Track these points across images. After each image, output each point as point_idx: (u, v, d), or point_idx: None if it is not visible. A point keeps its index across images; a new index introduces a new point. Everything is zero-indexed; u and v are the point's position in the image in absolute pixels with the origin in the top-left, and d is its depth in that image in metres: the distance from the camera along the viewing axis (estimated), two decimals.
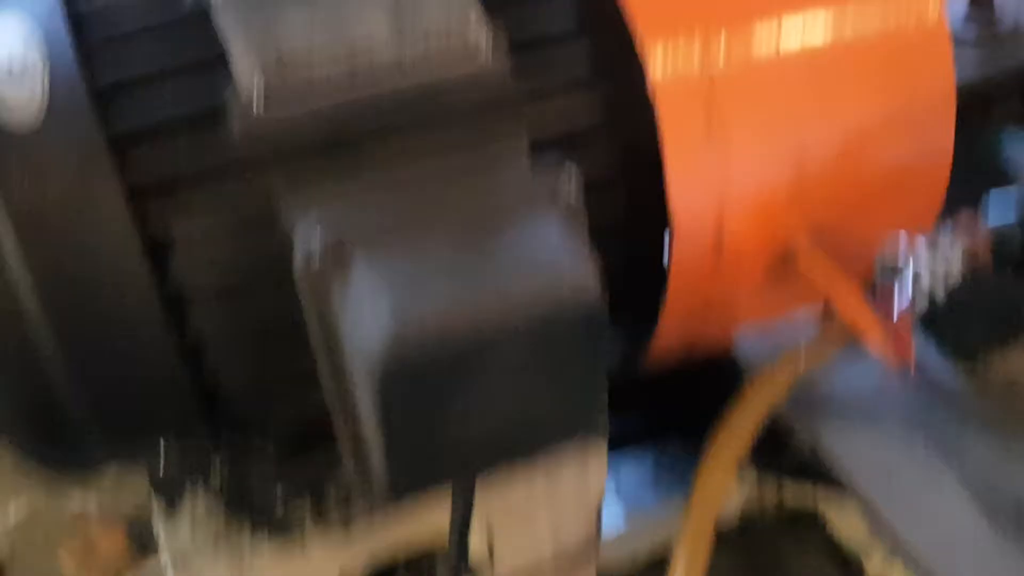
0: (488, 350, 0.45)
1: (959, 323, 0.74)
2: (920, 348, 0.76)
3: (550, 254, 0.47)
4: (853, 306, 0.58)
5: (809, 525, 1.11)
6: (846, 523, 1.09)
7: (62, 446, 0.52)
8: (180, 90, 0.50)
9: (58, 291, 0.47)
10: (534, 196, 0.49)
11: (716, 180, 0.57)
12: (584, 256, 0.47)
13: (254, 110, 0.49)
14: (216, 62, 0.50)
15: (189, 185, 0.49)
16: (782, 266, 0.60)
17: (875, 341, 0.58)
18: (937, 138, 0.62)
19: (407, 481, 0.48)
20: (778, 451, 1.08)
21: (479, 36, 0.53)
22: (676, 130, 0.56)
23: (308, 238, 0.46)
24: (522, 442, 0.50)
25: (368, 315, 0.44)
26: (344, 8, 0.52)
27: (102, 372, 0.49)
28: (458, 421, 0.46)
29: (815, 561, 1.10)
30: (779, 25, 0.58)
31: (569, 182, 0.50)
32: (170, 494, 0.66)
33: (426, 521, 0.67)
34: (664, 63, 0.56)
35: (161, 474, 0.64)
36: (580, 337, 0.46)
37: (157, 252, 0.48)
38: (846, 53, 0.59)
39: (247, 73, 0.49)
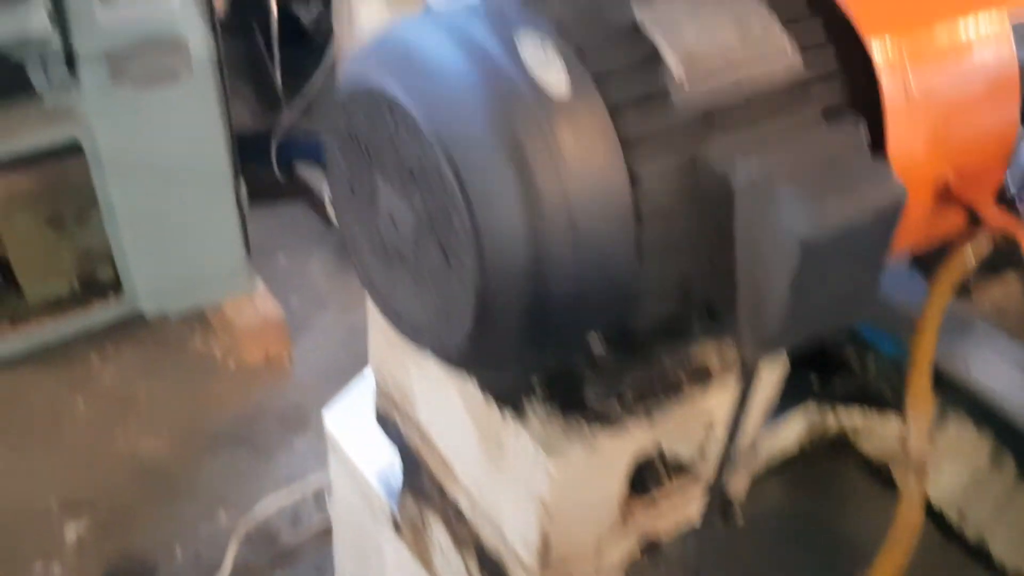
0: (848, 238, 0.74)
1: None
2: None
3: (873, 176, 0.77)
4: (997, 214, 0.91)
5: (845, 445, 1.46)
6: (878, 441, 1.44)
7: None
8: (637, 77, 0.76)
9: (562, 211, 0.72)
10: (852, 142, 0.79)
11: (908, 128, 0.89)
12: (893, 174, 0.77)
13: (683, 87, 0.76)
14: (655, 57, 0.77)
15: (652, 137, 0.75)
16: (940, 194, 0.92)
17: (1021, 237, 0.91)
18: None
19: (788, 334, 0.77)
20: (831, 379, 1.42)
21: (784, 40, 0.83)
22: (892, 98, 0.87)
23: (747, 170, 0.73)
24: (849, 311, 0.80)
25: (789, 219, 0.72)
26: (714, 27, 0.80)
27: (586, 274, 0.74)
28: (819, 292, 0.76)
29: (854, 475, 1.45)
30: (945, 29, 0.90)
31: (863, 129, 0.80)
32: (515, 402, 0.93)
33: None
34: (883, 60, 0.87)
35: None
36: (890, 222, 0.77)
37: (633, 182, 0.74)
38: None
39: (673, 64, 0.77)
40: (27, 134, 2.27)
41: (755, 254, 0.76)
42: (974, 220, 0.94)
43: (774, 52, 0.82)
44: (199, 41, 2.29)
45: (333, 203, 0.90)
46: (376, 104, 0.77)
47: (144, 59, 2.25)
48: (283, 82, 3.30)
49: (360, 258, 0.89)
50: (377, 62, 0.78)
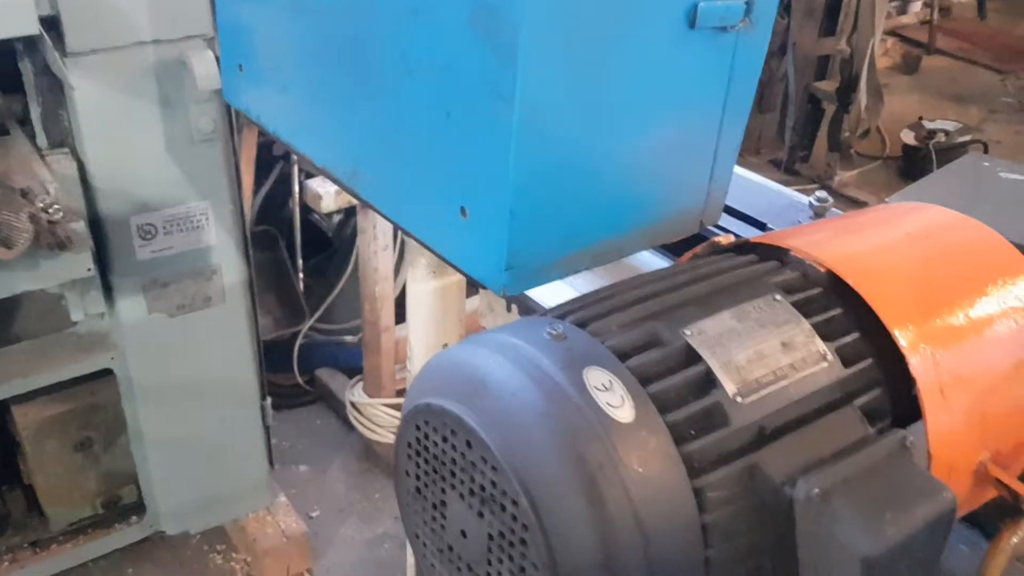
0: (906, 551, 0.78)
1: None
2: None
3: (924, 487, 0.81)
4: None
5: None
6: None
7: None
8: (694, 397, 0.82)
9: (650, 517, 0.76)
10: (898, 452, 0.83)
11: (947, 426, 0.93)
12: (939, 483, 0.81)
13: (737, 401, 0.81)
14: (702, 376, 0.83)
15: (713, 453, 0.80)
16: (979, 476, 0.96)
17: None
18: None
19: None
20: None
21: (822, 346, 0.89)
22: (928, 394, 0.92)
23: (807, 488, 0.77)
24: None
25: (850, 538, 0.76)
26: (755, 338, 0.86)
27: None
28: None
29: None
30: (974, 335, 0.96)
31: (909, 439, 0.85)
32: None
33: None
34: (915, 357, 0.92)
35: None
36: (945, 529, 0.80)
37: (698, 496, 0.78)
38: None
39: (726, 382, 0.82)
40: (62, 363, 2.33)
41: (818, 570, 0.79)
42: (1013, 496, 0.98)
43: (815, 360, 0.88)
44: (232, 268, 2.39)
45: (399, 500, 0.93)
46: (446, 425, 0.82)
47: (179, 289, 2.34)
48: (305, 288, 3.40)
49: (423, 556, 0.92)
50: (445, 383, 0.83)
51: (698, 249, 1.11)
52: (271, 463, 2.70)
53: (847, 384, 0.89)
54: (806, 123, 4.65)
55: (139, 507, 2.57)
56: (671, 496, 0.77)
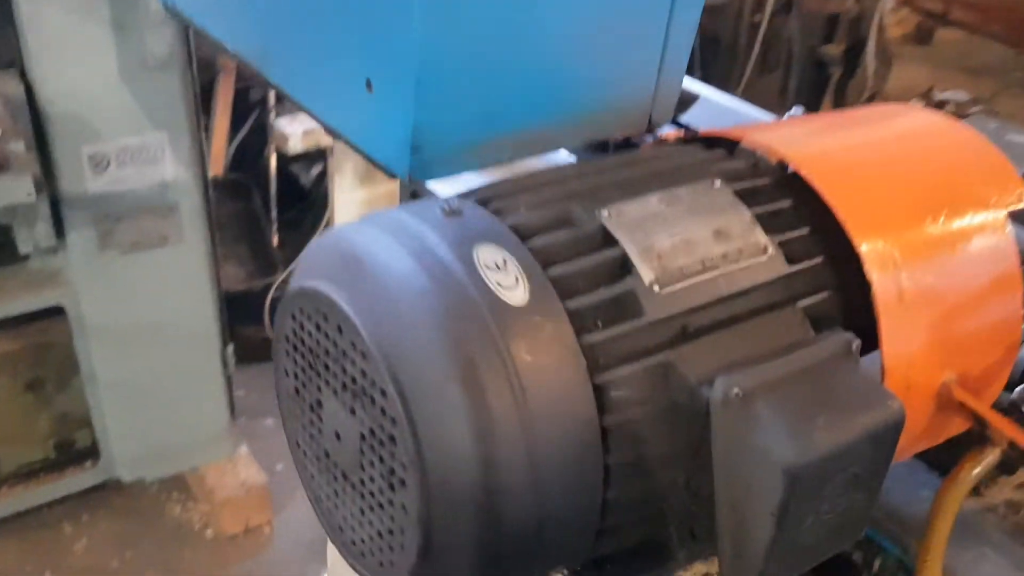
0: (841, 464, 0.66)
1: None
2: None
3: (867, 393, 0.70)
4: (1003, 422, 0.83)
5: None
6: None
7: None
8: (600, 279, 0.71)
9: (537, 416, 0.65)
10: (842, 356, 0.72)
11: (905, 339, 0.82)
12: (886, 391, 0.70)
13: (654, 290, 0.70)
14: (618, 260, 0.71)
15: (619, 347, 0.69)
16: (942, 400, 0.85)
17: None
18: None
19: (774, 567, 0.68)
20: None
21: (763, 238, 0.77)
22: (884, 300, 0.80)
23: (726, 387, 0.66)
24: (842, 538, 0.71)
25: (772, 444, 0.65)
26: (684, 223, 0.75)
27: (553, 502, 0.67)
28: (809, 522, 0.67)
29: None
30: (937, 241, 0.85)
31: (854, 343, 0.73)
32: None
33: None
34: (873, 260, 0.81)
35: None
36: (889, 444, 0.69)
37: (600, 395, 0.67)
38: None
39: (643, 267, 0.71)
40: (10, 299, 2.23)
41: (735, 480, 0.68)
42: (980, 423, 0.86)
43: (753, 253, 0.77)
44: (191, 206, 2.28)
45: (279, 405, 0.83)
46: (321, 310, 0.71)
47: (134, 225, 2.23)
48: (280, 241, 3.29)
49: (303, 467, 0.81)
50: (325, 264, 0.73)
51: (645, 148, 0.99)
52: (232, 413, 2.60)
53: (790, 283, 0.78)
54: (811, 86, 4.50)
55: (94, 452, 2.48)
56: (566, 391, 0.66)
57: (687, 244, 0.74)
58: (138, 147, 2.17)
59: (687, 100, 1.42)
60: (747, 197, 0.80)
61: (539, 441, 0.65)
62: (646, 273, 0.71)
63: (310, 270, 0.74)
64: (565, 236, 0.72)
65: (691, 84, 1.47)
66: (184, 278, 2.36)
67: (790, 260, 0.78)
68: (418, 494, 0.65)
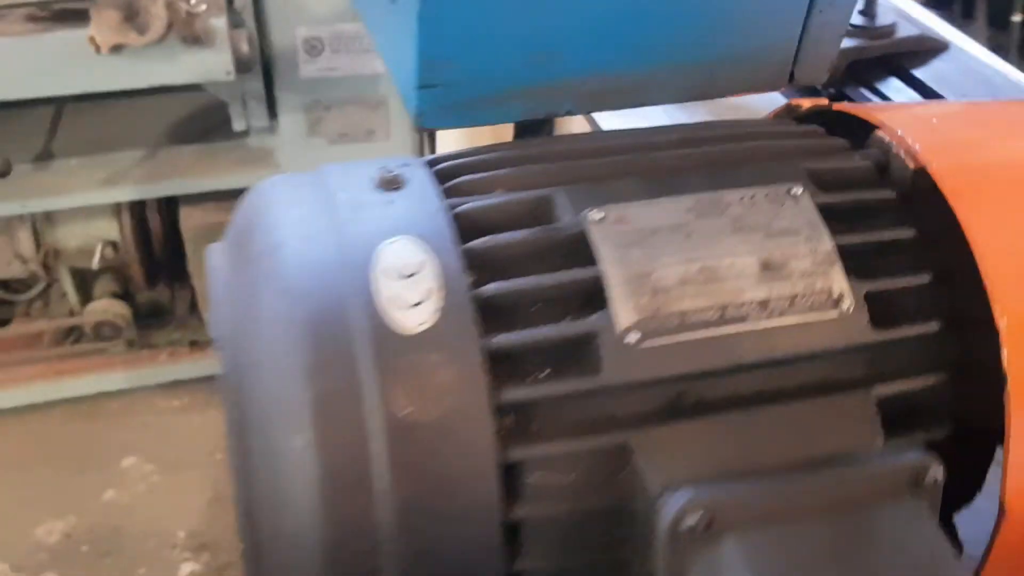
0: None
1: None
2: None
3: (923, 556, 0.45)
4: None
5: None
6: None
7: None
8: (554, 312, 0.50)
9: (414, 497, 0.47)
10: (908, 489, 0.47)
11: None
12: (954, 556, 0.45)
13: (628, 338, 0.48)
14: (591, 287, 0.50)
15: (551, 409, 0.49)
16: None
17: None
18: None
19: None
20: None
21: (842, 283, 0.52)
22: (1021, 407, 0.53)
23: (678, 502, 0.45)
24: None
25: None
26: (716, 245, 0.52)
27: None
28: None
29: None
30: None
31: (934, 468, 0.48)
32: None
33: None
34: (1017, 343, 0.53)
35: None
36: None
37: (509, 474, 0.48)
38: None
39: (624, 300, 0.49)
40: (226, 173, 2.29)
41: None
42: None
43: (817, 303, 0.52)
44: (400, 103, 2.20)
45: None
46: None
47: (342, 115, 2.20)
48: None
49: None
50: (235, 224, 0.57)
51: (772, 113, 0.74)
52: None
53: (870, 358, 0.52)
54: None
55: None
56: (459, 464, 0.47)
57: (708, 277, 0.51)
58: (353, 35, 2.10)
59: (926, 49, 1.10)
60: (843, 216, 0.55)
61: (414, 536, 0.46)
62: (623, 312, 0.49)
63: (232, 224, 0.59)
64: (529, 240, 0.52)
65: (937, 25, 1.14)
66: None
67: (880, 322, 0.52)
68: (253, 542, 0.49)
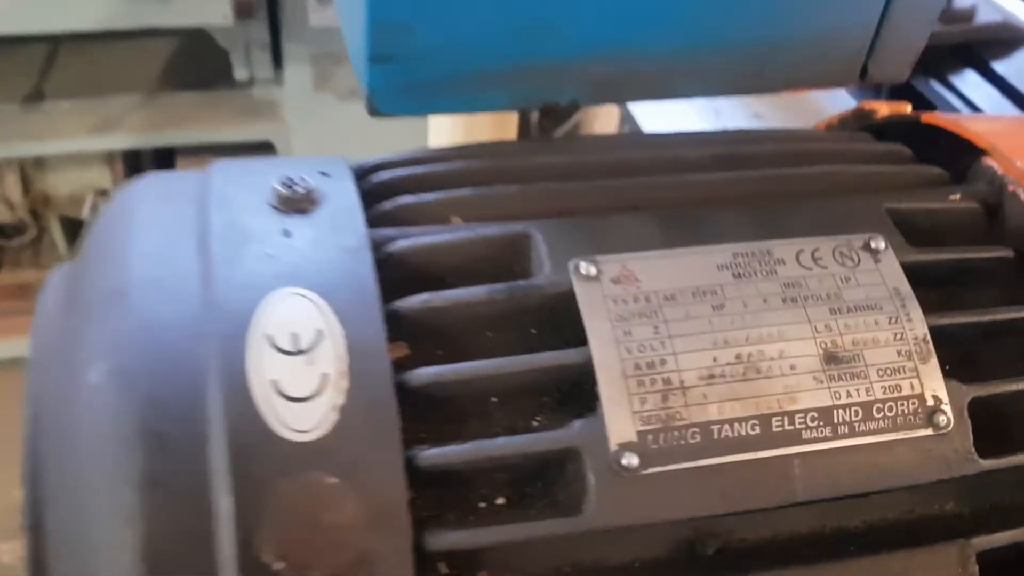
0: None
1: None
2: None
3: None
4: None
5: None
6: None
7: None
8: (520, 412, 0.35)
9: None
10: None
11: None
12: None
13: (624, 459, 0.33)
14: (575, 378, 0.34)
15: (507, 556, 0.33)
16: None
17: None
18: None
19: None
20: None
21: (938, 387, 0.36)
22: None
23: None
24: None
25: None
26: (759, 324, 0.35)
27: None
28: None
29: None
30: None
31: None
32: None
33: None
34: None
35: None
36: None
37: None
38: None
39: (619, 405, 0.33)
40: (226, 125, 2.14)
41: None
42: None
43: (902, 419, 0.35)
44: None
45: None
46: None
47: (351, 70, 2.03)
48: None
49: None
50: (93, 234, 0.41)
51: (835, 118, 0.57)
52: None
53: (972, 492, 0.36)
54: None
55: None
56: None
57: (747, 372, 0.35)
58: None
59: (1009, 39, 0.92)
60: (940, 283, 0.38)
61: None
62: (619, 421, 0.33)
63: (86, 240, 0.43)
64: (488, 301, 0.35)
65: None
66: (397, 136, 2.15)
67: (989, 445, 0.36)
68: None
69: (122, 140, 2.11)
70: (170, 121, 2.11)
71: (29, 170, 2.19)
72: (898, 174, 0.43)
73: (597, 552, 0.34)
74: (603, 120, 0.75)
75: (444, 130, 0.85)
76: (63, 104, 2.13)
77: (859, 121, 0.53)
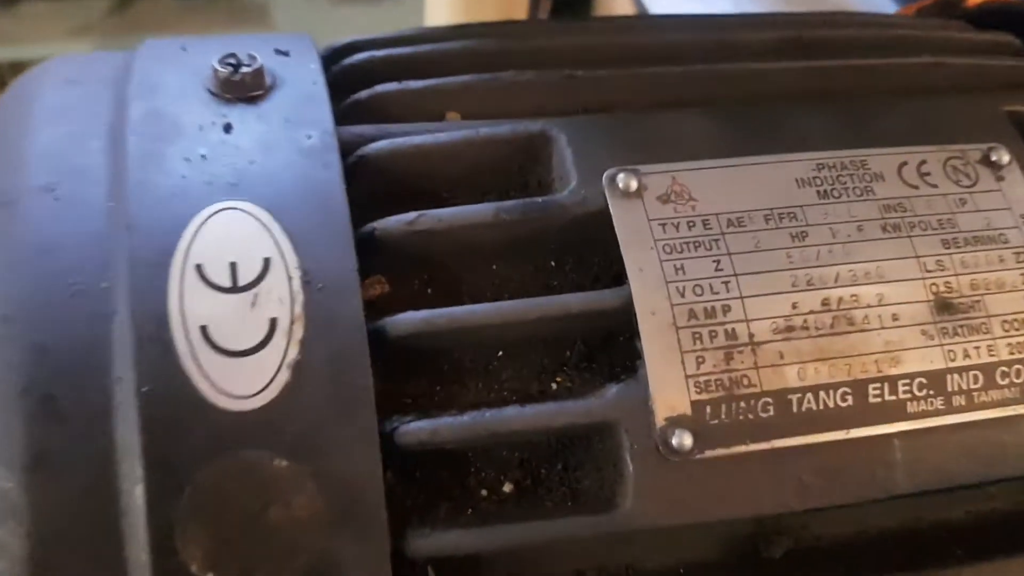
0: None
1: None
2: None
3: None
4: None
5: None
6: None
7: None
8: (533, 371, 0.26)
9: None
10: None
11: None
12: None
13: (675, 439, 0.24)
14: (609, 328, 0.26)
15: (514, 563, 0.25)
16: None
17: None
18: None
19: None
20: None
21: None
22: None
23: None
24: None
25: None
26: (851, 258, 0.27)
27: None
28: None
29: None
30: None
31: None
32: None
33: None
34: None
35: None
36: None
37: None
38: None
39: (667, 364, 0.25)
40: (213, 30, 2.02)
41: None
42: None
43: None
44: None
45: None
46: None
47: None
48: None
49: None
50: None
51: (909, 9, 0.47)
52: None
53: None
54: None
55: None
56: None
57: (835, 324, 0.26)
58: None
59: None
60: None
61: None
62: (668, 389, 0.25)
63: None
64: (494, 223, 0.27)
65: None
66: None
67: None
68: None
69: (99, 44, 2.00)
70: (151, 26, 2.00)
71: (5, 73, 2.08)
72: (1014, 69, 0.34)
73: (629, 553, 0.26)
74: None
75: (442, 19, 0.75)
76: (39, 6, 2.01)
77: (946, 11, 0.43)
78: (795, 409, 0.25)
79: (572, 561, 0.26)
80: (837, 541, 0.28)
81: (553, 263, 0.28)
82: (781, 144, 0.28)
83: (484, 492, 0.26)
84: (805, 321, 0.26)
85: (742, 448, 0.25)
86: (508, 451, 0.26)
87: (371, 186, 0.28)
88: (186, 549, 0.23)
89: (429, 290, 0.27)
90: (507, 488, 0.26)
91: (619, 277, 0.27)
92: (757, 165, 0.28)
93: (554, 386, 0.27)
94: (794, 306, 0.26)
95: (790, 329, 0.26)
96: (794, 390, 0.25)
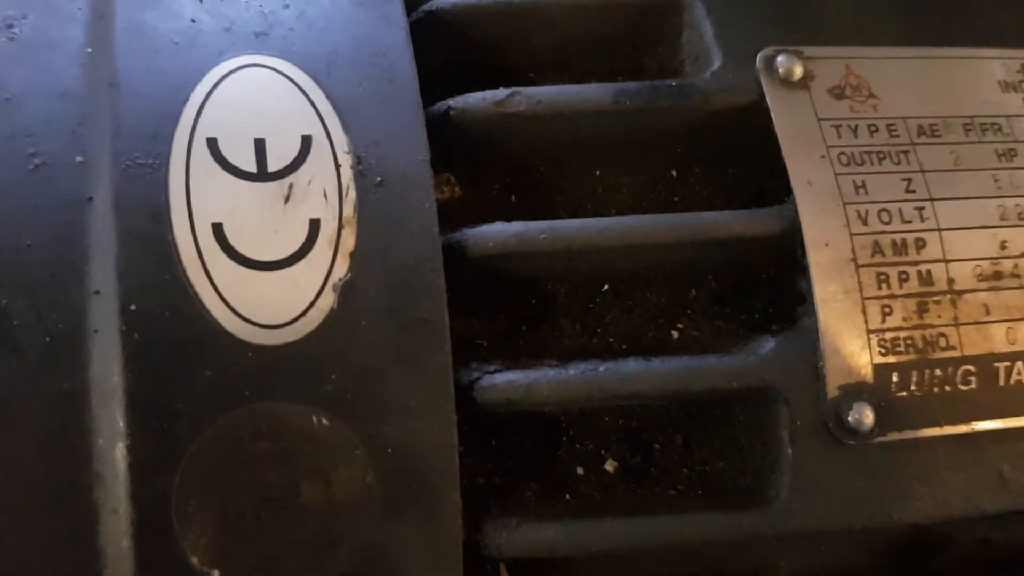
0: None
1: None
2: None
3: None
4: None
5: None
6: None
7: None
8: (650, 313, 0.20)
9: None
10: None
11: None
12: None
13: (852, 415, 0.18)
14: (761, 262, 0.19)
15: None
16: None
17: None
18: None
19: None
20: None
21: None
22: None
23: None
24: None
25: None
26: None
27: None
28: None
29: None
30: None
31: None
32: None
33: None
34: None
35: None
36: None
37: None
38: None
39: (842, 316, 0.18)
40: None
41: None
42: None
43: None
44: None
45: None
46: None
47: None
48: None
49: None
50: None
51: None
52: None
53: None
54: None
55: None
56: None
57: None
58: None
59: None
60: None
61: None
62: (843, 350, 0.18)
63: None
64: (609, 110, 0.20)
65: None
66: None
67: None
68: None
69: None
70: None
71: None
72: None
73: (763, 556, 0.20)
74: None
75: None
76: None
77: None
78: (1002, 381, 0.19)
79: (682, 564, 0.20)
80: (1007, 547, 0.22)
81: (674, 172, 0.21)
82: (978, 35, 0.22)
83: (580, 470, 0.19)
84: (1016, 266, 0.20)
85: (935, 431, 0.19)
86: (611, 417, 0.20)
87: (439, 53, 0.21)
88: (185, 534, 0.16)
89: (513, 197, 0.21)
90: (609, 466, 0.19)
91: (760, 196, 0.20)
92: (951, 59, 0.21)
93: (675, 334, 0.20)
94: (1003, 245, 0.20)
95: (997, 276, 0.19)
96: (1002, 356, 0.19)
